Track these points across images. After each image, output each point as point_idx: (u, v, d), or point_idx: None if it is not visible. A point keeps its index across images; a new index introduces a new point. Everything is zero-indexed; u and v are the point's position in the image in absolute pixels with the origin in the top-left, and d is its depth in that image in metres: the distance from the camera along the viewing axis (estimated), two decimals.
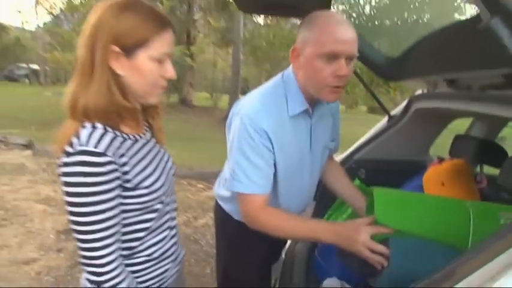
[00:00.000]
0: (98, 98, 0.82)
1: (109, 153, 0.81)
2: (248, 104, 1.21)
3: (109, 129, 0.85)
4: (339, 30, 1.07)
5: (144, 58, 0.84)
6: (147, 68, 0.85)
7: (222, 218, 1.50)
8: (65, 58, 7.22)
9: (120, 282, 0.86)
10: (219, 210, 1.52)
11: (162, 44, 0.85)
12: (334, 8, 1.69)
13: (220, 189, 1.49)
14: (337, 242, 1.10)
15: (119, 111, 0.86)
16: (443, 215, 1.11)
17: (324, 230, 1.12)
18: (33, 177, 5.09)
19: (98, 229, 0.81)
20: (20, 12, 30.97)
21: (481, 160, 1.68)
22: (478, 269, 0.67)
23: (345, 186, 1.52)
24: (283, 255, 1.81)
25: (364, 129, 2.34)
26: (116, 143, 0.85)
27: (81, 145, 0.79)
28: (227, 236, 1.54)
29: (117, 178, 0.83)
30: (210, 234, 3.66)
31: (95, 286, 0.85)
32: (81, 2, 10.88)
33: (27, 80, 31.21)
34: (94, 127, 0.82)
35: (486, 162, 1.70)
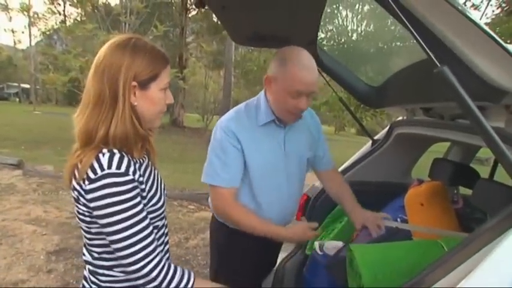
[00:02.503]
0: (121, 126, 0.93)
1: (130, 173, 0.91)
2: (225, 115, 1.50)
3: (124, 154, 0.94)
4: (305, 74, 1.33)
5: (155, 89, 0.99)
6: (157, 97, 1.00)
7: (215, 227, 1.66)
8: (59, 79, 7.28)
9: (172, 279, 0.95)
10: (213, 220, 1.69)
11: (166, 76, 1.01)
12: (317, 42, 1.83)
13: None
14: (286, 235, 1.44)
15: (136, 137, 0.97)
16: (421, 257, 1.14)
17: (275, 229, 1.41)
18: (23, 198, 5.06)
19: (137, 240, 0.90)
20: (13, 32, 30.99)
21: (456, 182, 1.80)
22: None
23: (346, 201, 1.70)
24: (272, 272, 1.88)
25: (353, 150, 2.44)
26: (132, 165, 0.94)
27: (103, 169, 0.88)
28: (218, 244, 1.67)
29: (139, 194, 0.94)
30: (202, 255, 3.68)
31: None
32: (71, 24, 11.05)
33: (17, 99, 31.04)
34: (112, 152, 0.91)
35: (461, 184, 1.82)
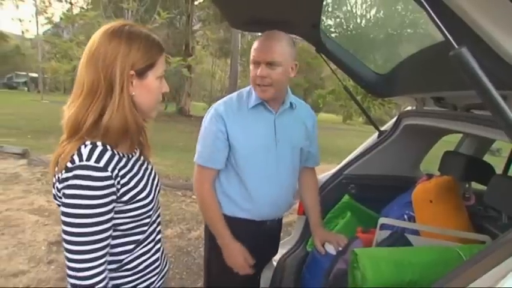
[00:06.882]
0: (119, 117, 0.90)
1: (109, 168, 0.87)
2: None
3: (108, 147, 0.90)
4: (260, 42, 1.42)
5: (152, 77, 0.96)
6: (154, 86, 0.98)
7: None
8: (61, 67, 7.22)
9: None
10: None
11: (162, 63, 0.99)
12: (322, 26, 1.70)
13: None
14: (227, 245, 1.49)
15: (131, 129, 0.94)
16: (437, 265, 1.07)
17: (226, 235, 1.47)
18: (27, 187, 5.05)
19: (88, 241, 0.85)
20: (20, 20, 30.98)
21: (468, 177, 1.68)
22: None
23: (314, 216, 1.69)
24: (274, 263, 1.82)
25: (361, 140, 2.33)
26: (114, 160, 0.90)
27: (81, 160, 0.85)
28: (215, 242, 1.57)
29: (113, 193, 0.88)
30: (204, 246, 3.63)
31: None
32: (79, 13, 10.92)
33: (25, 88, 31.28)
34: (95, 145, 0.88)
35: (474, 180, 1.70)
